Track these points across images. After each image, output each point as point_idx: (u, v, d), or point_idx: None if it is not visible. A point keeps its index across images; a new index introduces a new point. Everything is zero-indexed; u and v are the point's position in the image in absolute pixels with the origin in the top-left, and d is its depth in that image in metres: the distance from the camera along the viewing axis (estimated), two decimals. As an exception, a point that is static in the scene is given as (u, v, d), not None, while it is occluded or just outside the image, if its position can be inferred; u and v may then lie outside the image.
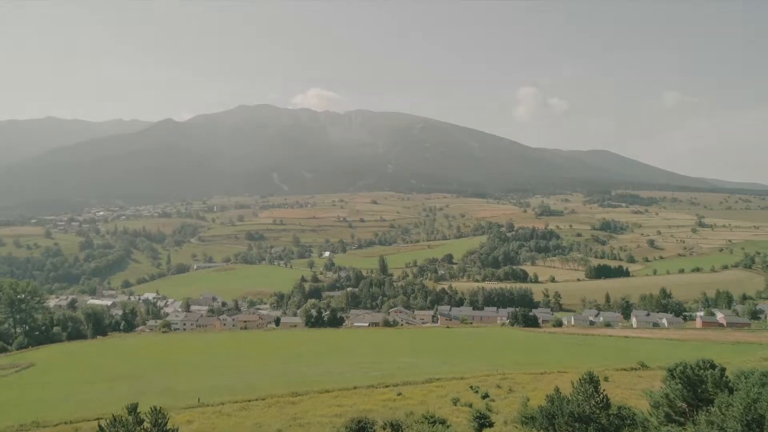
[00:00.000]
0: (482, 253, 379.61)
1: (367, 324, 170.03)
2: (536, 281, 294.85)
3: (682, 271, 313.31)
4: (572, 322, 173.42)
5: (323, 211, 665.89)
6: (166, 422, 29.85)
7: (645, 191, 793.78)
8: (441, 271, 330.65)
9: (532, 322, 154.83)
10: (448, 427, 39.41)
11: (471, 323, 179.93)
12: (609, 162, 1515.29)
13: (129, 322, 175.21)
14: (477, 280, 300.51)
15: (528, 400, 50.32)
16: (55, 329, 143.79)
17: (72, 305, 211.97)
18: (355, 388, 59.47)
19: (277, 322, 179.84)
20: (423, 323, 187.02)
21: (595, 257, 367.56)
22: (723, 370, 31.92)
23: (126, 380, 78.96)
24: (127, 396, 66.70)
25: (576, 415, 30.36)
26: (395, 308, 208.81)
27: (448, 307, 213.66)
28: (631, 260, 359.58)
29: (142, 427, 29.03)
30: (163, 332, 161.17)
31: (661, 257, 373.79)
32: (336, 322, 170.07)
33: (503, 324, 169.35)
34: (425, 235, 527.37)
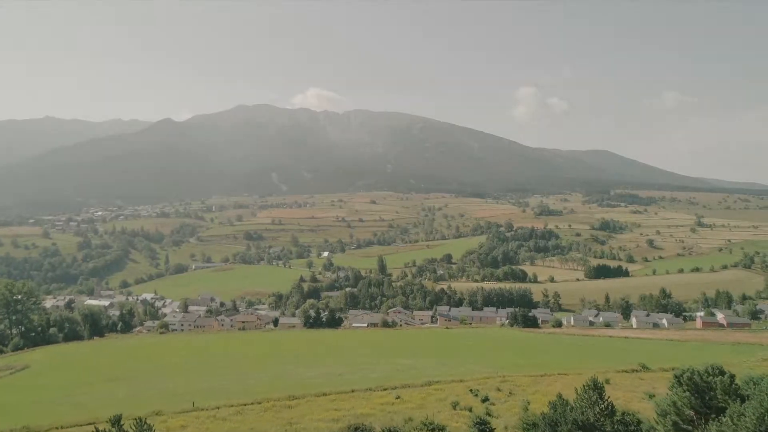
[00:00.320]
0: (481, 253, 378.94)
1: (365, 324, 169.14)
2: (535, 281, 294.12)
3: (681, 271, 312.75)
4: (572, 323, 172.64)
5: (322, 211, 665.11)
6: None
7: (644, 191, 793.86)
8: (440, 271, 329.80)
9: (531, 323, 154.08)
10: (447, 434, 38.50)
11: (470, 324, 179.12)
12: (608, 162, 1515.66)
13: (126, 323, 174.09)
14: (476, 280, 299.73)
15: (528, 404, 49.48)
16: (52, 330, 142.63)
17: (69, 306, 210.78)
18: (353, 391, 58.55)
19: (276, 322, 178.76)
20: (422, 324, 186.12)
21: (595, 257, 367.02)
22: (732, 377, 30.94)
23: (122, 382, 78.11)
24: (123, 399, 65.93)
25: (580, 423, 29.43)
26: (394, 308, 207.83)
27: (447, 307, 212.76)
28: (631, 260, 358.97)
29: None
30: (161, 333, 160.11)
31: (661, 257, 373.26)
32: (334, 322, 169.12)
33: (502, 324, 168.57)
34: (424, 235, 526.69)
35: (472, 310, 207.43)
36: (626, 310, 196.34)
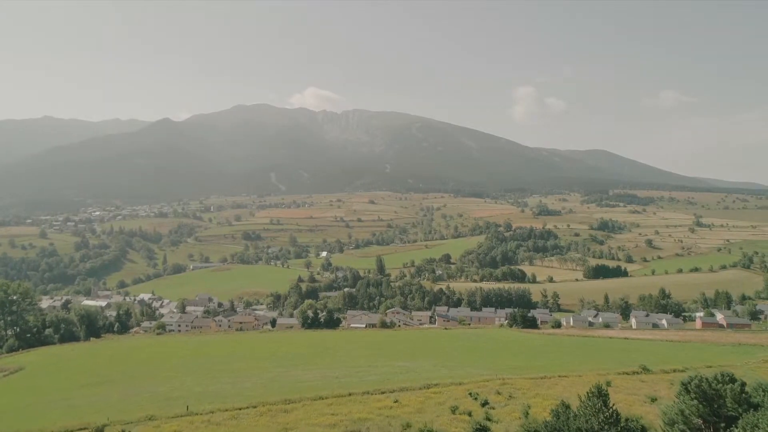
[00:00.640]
0: (480, 253, 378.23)
1: (364, 325, 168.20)
2: (534, 281, 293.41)
3: (680, 270, 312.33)
4: (571, 323, 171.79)
5: (320, 210, 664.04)
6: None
7: (642, 191, 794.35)
8: (438, 272, 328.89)
9: (530, 323, 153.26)
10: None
11: (469, 324, 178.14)
12: (606, 162, 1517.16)
13: (123, 324, 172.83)
14: (475, 281, 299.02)
15: (529, 408, 48.62)
16: (47, 331, 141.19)
17: (66, 306, 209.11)
18: (350, 394, 57.52)
19: (273, 323, 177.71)
20: (420, 324, 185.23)
21: (593, 257, 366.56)
22: (743, 384, 29.95)
23: (116, 385, 77.04)
24: (117, 402, 64.87)
25: (584, 432, 28.47)
26: (392, 309, 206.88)
27: (446, 307, 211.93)
28: (630, 260, 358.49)
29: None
30: (158, 334, 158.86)
31: (659, 257, 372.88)
32: (332, 323, 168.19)
33: (501, 325, 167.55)
34: (423, 235, 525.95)
35: (471, 310, 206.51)
36: (625, 311, 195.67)
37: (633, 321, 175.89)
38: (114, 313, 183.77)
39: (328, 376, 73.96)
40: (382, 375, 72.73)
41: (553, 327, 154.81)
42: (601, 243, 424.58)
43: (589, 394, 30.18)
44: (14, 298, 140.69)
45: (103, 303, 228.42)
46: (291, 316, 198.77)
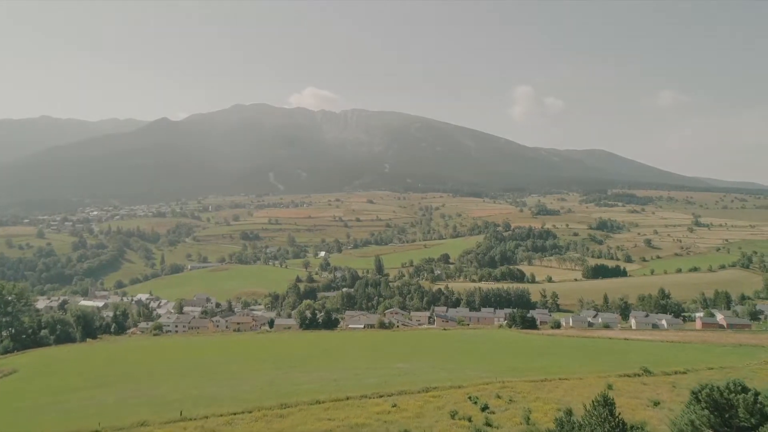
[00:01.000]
0: (479, 252, 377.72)
1: (362, 326, 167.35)
2: (533, 281, 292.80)
3: (679, 270, 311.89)
4: (570, 324, 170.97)
5: (319, 210, 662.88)
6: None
7: (641, 190, 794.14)
8: (437, 271, 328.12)
9: (530, 324, 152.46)
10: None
11: (468, 325, 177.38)
12: (605, 161, 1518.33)
13: (120, 324, 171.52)
14: (474, 280, 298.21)
15: (530, 412, 47.64)
16: (43, 332, 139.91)
17: (62, 307, 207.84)
18: (347, 398, 56.45)
19: (271, 324, 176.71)
20: (419, 324, 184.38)
21: (592, 257, 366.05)
22: (757, 394, 28.93)
23: (111, 387, 75.87)
24: (110, 406, 63.71)
25: (589, 443, 27.42)
26: (391, 309, 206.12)
27: (445, 308, 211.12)
28: (628, 260, 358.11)
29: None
30: (155, 335, 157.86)
31: (658, 257, 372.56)
32: (331, 323, 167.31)
33: (501, 326, 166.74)
34: (421, 235, 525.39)
35: (470, 310, 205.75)
36: (625, 311, 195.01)
37: (632, 321, 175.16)
38: (111, 314, 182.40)
39: (326, 378, 72.93)
40: (380, 377, 71.72)
41: (552, 327, 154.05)
42: (600, 243, 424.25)
43: (595, 403, 29.20)
44: (9, 298, 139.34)
45: (101, 303, 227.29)
46: (289, 316, 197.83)
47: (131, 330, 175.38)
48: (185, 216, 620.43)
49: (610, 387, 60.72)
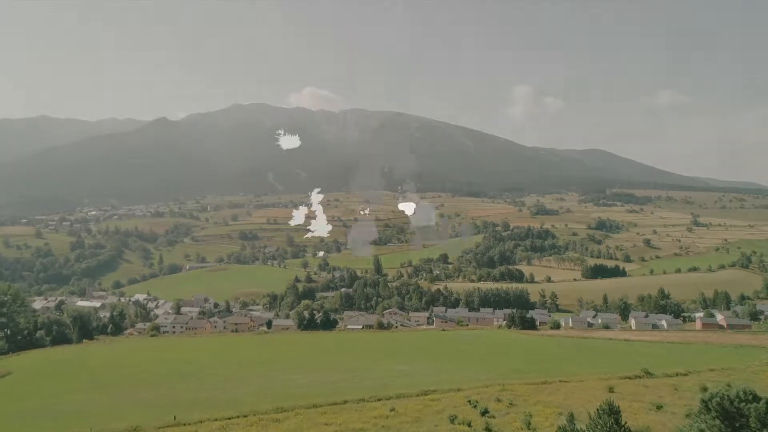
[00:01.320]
0: (478, 252, 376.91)
1: (360, 326, 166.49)
2: (532, 281, 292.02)
3: (678, 270, 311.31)
4: (570, 324, 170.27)
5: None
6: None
7: (640, 190, 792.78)
8: (436, 272, 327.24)
9: (529, 324, 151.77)
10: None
11: (467, 325, 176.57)
12: (604, 161, 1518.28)
13: (117, 325, 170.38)
14: (473, 281, 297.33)
15: (531, 417, 46.76)
16: (39, 333, 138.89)
17: (59, 307, 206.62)
18: (345, 402, 55.56)
19: (269, 324, 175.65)
20: (418, 325, 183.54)
21: (592, 257, 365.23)
22: (768, 403, 28.10)
23: (106, 390, 74.95)
24: (105, 409, 62.72)
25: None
26: (390, 309, 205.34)
27: (444, 308, 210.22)
28: (628, 260, 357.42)
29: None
30: (152, 336, 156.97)
31: (658, 257, 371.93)
32: (329, 324, 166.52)
33: (500, 326, 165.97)
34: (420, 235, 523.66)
35: (469, 311, 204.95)
36: (625, 311, 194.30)
37: (632, 322, 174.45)
38: (108, 315, 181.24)
39: (323, 381, 72.08)
40: (378, 380, 70.87)
41: (552, 328, 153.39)
42: (599, 242, 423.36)
43: (600, 411, 28.32)
44: (5, 299, 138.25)
45: (98, 304, 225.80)
46: (287, 316, 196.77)
47: (128, 331, 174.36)
48: (183, 216, 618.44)
49: (611, 390, 59.94)
